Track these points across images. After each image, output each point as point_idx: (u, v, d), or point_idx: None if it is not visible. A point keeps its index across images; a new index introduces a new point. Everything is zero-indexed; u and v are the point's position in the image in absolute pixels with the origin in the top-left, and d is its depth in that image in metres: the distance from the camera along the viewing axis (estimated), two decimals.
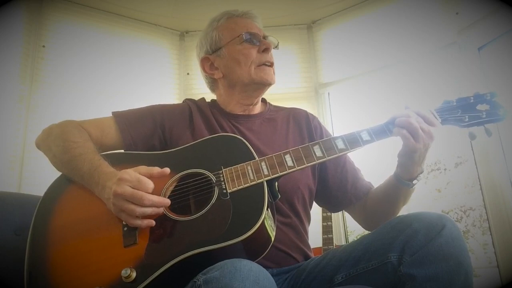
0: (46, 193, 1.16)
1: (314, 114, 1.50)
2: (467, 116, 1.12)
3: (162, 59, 3.34)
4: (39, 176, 2.55)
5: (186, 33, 3.43)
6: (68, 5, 3.00)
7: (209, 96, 1.51)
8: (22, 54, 2.76)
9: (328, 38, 3.35)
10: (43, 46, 2.86)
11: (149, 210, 0.99)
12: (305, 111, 1.48)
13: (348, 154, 1.39)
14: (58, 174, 1.20)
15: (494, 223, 2.37)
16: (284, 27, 3.31)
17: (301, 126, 1.41)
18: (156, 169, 1.05)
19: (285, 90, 3.10)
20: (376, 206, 1.31)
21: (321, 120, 1.50)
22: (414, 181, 1.17)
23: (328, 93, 3.32)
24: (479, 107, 1.13)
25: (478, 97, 1.14)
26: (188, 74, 3.36)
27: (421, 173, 1.17)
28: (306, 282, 1.14)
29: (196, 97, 1.48)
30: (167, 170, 1.06)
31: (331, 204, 1.42)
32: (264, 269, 0.86)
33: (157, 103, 1.42)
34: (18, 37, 2.76)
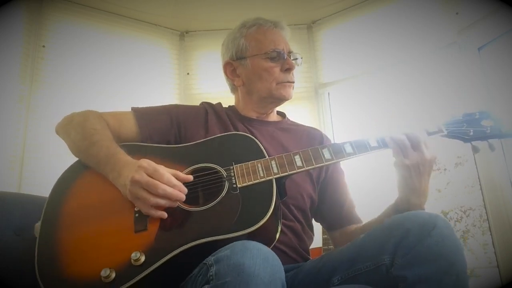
0: (59, 179, 1.19)
1: (314, 116, 1.53)
2: (472, 130, 1.16)
3: (162, 59, 3.34)
4: (39, 176, 2.55)
5: (186, 33, 3.43)
6: (68, 5, 3.00)
7: (210, 96, 1.52)
8: (22, 54, 2.76)
9: (328, 38, 3.35)
10: (43, 46, 2.86)
11: (162, 201, 1.02)
12: (320, 132, 1.52)
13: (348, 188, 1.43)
14: (58, 174, 1.21)
15: (494, 223, 2.37)
16: None
17: (313, 144, 1.40)
18: (182, 174, 1.08)
19: None
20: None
21: (321, 121, 1.52)
22: None
23: (328, 93, 3.32)
24: (483, 122, 1.17)
25: (483, 114, 1.19)
26: (188, 74, 3.36)
27: (421, 210, 1.15)
28: (304, 284, 1.14)
29: (196, 97, 1.51)
30: (190, 177, 1.09)
31: (323, 222, 1.44)
32: (271, 251, 0.88)
33: (159, 104, 1.45)
34: (18, 37, 2.76)
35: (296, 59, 1.44)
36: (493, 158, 2.38)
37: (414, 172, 1.12)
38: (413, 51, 2.90)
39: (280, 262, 0.87)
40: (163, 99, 3.21)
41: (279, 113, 1.55)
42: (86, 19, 3.06)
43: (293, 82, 1.42)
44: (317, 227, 1.46)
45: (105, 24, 3.13)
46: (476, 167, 2.48)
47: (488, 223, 2.42)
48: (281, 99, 1.41)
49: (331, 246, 2.48)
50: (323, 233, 2.54)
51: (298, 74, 3.27)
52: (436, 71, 3.08)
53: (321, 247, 2.50)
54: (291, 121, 1.54)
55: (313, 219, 1.43)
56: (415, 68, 3.03)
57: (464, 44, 2.60)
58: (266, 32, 1.43)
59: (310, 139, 1.44)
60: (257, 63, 1.39)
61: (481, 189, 2.46)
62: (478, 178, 2.47)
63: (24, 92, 2.72)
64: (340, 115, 3.32)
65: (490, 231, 2.40)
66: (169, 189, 1.01)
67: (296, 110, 1.48)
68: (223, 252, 0.84)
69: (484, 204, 2.44)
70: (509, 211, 2.31)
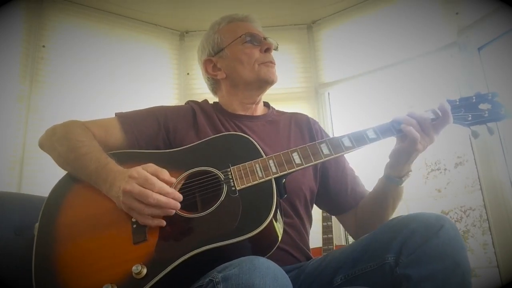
0: (51, 193, 1.15)
1: (314, 116, 1.52)
2: (470, 115, 1.16)
3: (162, 59, 3.34)
4: (39, 176, 2.55)
5: (186, 33, 3.43)
6: (68, 5, 3.00)
7: (210, 96, 1.51)
8: (22, 54, 2.76)
9: (328, 38, 3.35)
10: (43, 46, 2.86)
11: (157, 211, 0.99)
12: (306, 116, 1.50)
13: (348, 160, 1.43)
14: (58, 174, 1.20)
15: (494, 223, 2.37)
16: (284, 27, 3.31)
17: (302, 130, 1.42)
18: (165, 173, 1.03)
19: (285, 90, 3.09)
20: (366, 211, 1.32)
21: (321, 121, 1.52)
22: (404, 178, 1.20)
23: (328, 93, 3.32)
24: (481, 106, 1.16)
25: (479, 97, 1.18)
26: (188, 74, 3.36)
27: (410, 171, 1.21)
28: (306, 284, 1.14)
29: (196, 97, 1.49)
30: (173, 180, 1.04)
31: (331, 207, 1.43)
32: (279, 267, 0.86)
33: (158, 104, 1.42)
34: (18, 37, 2.76)
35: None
36: (493, 158, 2.38)
37: (422, 150, 1.15)
38: (413, 51, 2.90)
39: (288, 279, 0.86)
40: (163, 99, 3.21)
41: (265, 104, 1.52)
42: (86, 19, 3.06)
43: (274, 64, 1.39)
44: (317, 227, 1.45)
45: (105, 24, 3.13)
46: (476, 167, 2.48)
47: (488, 223, 2.42)
48: (267, 81, 1.37)
49: (331, 246, 2.48)
50: (323, 233, 2.54)
51: (298, 74, 3.30)
52: (436, 71, 3.09)
53: (321, 247, 2.50)
54: (277, 111, 1.51)
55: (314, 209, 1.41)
56: (415, 68, 3.03)
57: (464, 44, 2.60)
58: (238, 23, 1.43)
59: (298, 125, 1.43)
60: (235, 49, 1.38)
61: (481, 189, 2.46)
62: (478, 178, 2.47)
63: (24, 92, 2.72)
64: (340, 115, 3.32)
65: (490, 231, 2.40)
66: (162, 198, 0.98)
67: (296, 110, 1.48)
68: (231, 270, 0.81)
69: (484, 204, 2.44)
70: (509, 211, 2.30)
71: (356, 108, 3.44)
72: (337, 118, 3.28)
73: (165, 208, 0.99)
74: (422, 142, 1.12)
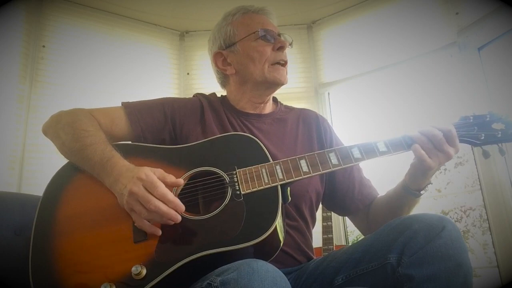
0: (51, 182, 1.12)
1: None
2: (483, 134, 1.11)
3: (162, 59, 3.35)
4: (39, 176, 2.56)
5: (186, 33, 3.43)
6: (68, 5, 3.00)
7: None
8: (22, 54, 2.76)
9: (328, 38, 3.36)
10: (43, 46, 2.87)
11: (156, 217, 0.96)
12: (315, 113, 1.47)
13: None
14: None
15: (494, 223, 2.37)
16: (284, 27, 3.31)
17: (310, 128, 1.39)
18: (171, 178, 1.01)
19: (285, 90, 3.05)
20: (379, 215, 1.30)
21: None
22: (422, 191, 1.17)
23: (328, 93, 3.33)
24: (494, 125, 1.12)
25: (493, 116, 1.13)
26: (188, 74, 3.36)
27: (429, 184, 1.17)
28: (307, 284, 1.14)
29: None
30: (180, 181, 1.02)
31: (338, 209, 1.42)
32: (278, 269, 0.86)
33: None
34: (18, 37, 2.76)
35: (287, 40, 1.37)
36: (493, 158, 2.38)
37: (438, 167, 1.11)
38: (413, 51, 2.90)
39: (288, 281, 0.86)
40: None
41: (274, 99, 1.47)
42: (86, 19, 3.06)
43: (286, 62, 1.35)
44: (318, 227, 1.45)
45: (105, 24, 3.13)
46: (476, 167, 2.48)
47: (488, 223, 2.42)
48: (276, 83, 1.33)
49: (331, 246, 2.48)
50: (323, 233, 2.54)
51: (298, 74, 3.29)
52: (436, 71, 3.09)
53: (321, 247, 2.50)
54: (285, 106, 1.46)
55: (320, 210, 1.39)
56: (415, 68, 3.04)
57: (464, 44, 2.61)
58: (252, 16, 1.37)
59: (306, 124, 1.40)
60: (247, 45, 1.32)
61: (481, 189, 2.46)
62: (478, 178, 2.48)
63: (24, 92, 2.73)
64: (340, 115, 3.33)
65: (490, 231, 2.40)
66: (162, 207, 0.94)
67: None
68: (230, 274, 0.80)
69: (484, 204, 2.44)
70: (509, 211, 2.31)
71: (356, 108, 3.45)
72: (337, 118, 3.28)
73: (164, 217, 0.96)
74: (434, 158, 1.08)
